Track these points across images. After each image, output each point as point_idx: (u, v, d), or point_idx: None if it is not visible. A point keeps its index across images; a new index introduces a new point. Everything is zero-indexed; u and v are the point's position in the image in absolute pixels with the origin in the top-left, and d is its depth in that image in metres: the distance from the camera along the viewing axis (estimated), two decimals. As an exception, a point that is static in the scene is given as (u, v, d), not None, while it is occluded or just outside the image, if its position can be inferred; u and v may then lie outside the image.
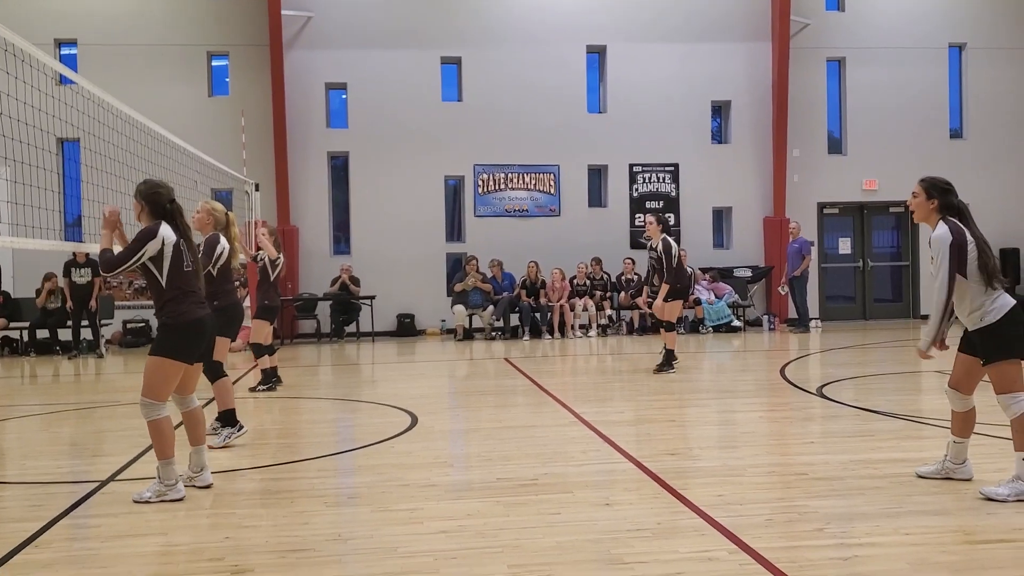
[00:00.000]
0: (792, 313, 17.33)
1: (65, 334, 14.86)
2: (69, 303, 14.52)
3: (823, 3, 18.24)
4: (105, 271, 5.21)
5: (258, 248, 9.74)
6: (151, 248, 5.05)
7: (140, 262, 5.09)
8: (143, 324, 16.09)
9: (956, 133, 18.75)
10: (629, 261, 16.98)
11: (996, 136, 18.52)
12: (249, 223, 13.34)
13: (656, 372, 10.45)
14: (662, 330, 10.79)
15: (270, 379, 9.72)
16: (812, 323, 16.65)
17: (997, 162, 18.40)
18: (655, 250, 10.58)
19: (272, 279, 9.58)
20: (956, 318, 4.97)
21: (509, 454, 6.18)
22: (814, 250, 17.41)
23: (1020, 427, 4.71)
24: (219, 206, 6.91)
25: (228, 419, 6.62)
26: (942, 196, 4.97)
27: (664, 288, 10.45)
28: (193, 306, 5.20)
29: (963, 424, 5.09)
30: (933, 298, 4.86)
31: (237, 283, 7.96)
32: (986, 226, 18.07)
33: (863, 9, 18.25)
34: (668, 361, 10.54)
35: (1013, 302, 4.82)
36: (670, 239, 10.61)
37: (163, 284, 5.12)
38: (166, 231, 5.12)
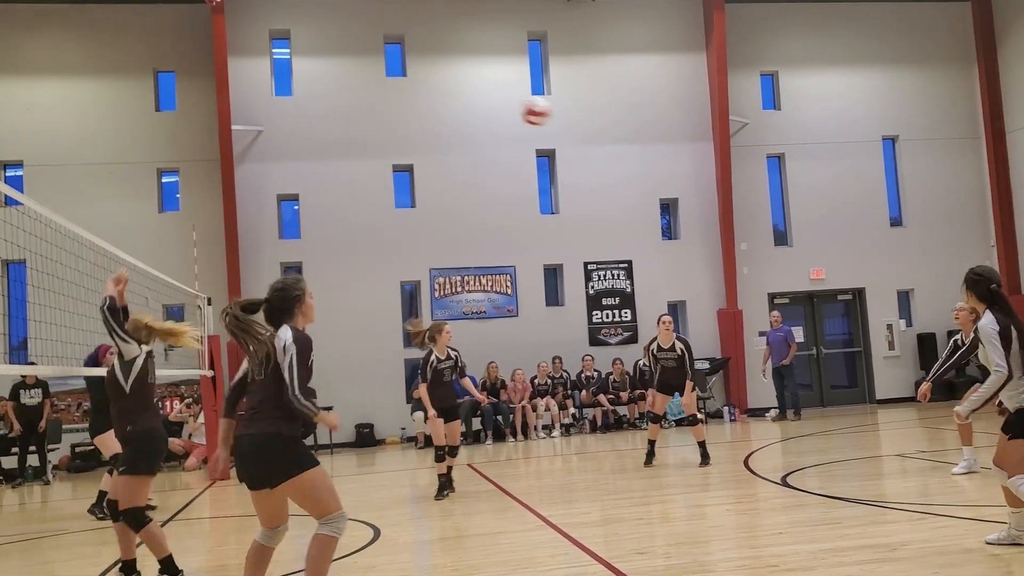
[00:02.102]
0: (753, 403, 17.48)
1: (9, 461, 14.30)
2: (16, 427, 14.04)
3: (760, 103, 18.96)
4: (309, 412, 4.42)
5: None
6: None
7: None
8: (92, 447, 15.60)
9: (896, 221, 19.33)
10: (589, 358, 17.01)
11: (934, 223, 19.13)
12: (201, 338, 13.17)
13: (704, 466, 10.42)
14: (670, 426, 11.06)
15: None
16: (771, 412, 16.71)
17: (937, 247, 18.93)
18: (672, 350, 10.71)
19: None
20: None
21: (476, 563, 6.02)
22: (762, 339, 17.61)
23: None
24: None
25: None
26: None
27: (690, 384, 10.70)
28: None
29: (1014, 496, 5.33)
30: (991, 378, 5.24)
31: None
32: (929, 310, 18.43)
33: (798, 108, 18.99)
34: (707, 452, 10.66)
35: None
36: (683, 337, 10.98)
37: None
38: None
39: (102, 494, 9.31)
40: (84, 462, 15.48)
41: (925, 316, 18.69)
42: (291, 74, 17.58)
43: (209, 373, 12.84)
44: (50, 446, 14.64)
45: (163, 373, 12.10)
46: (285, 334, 4.47)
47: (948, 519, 6.16)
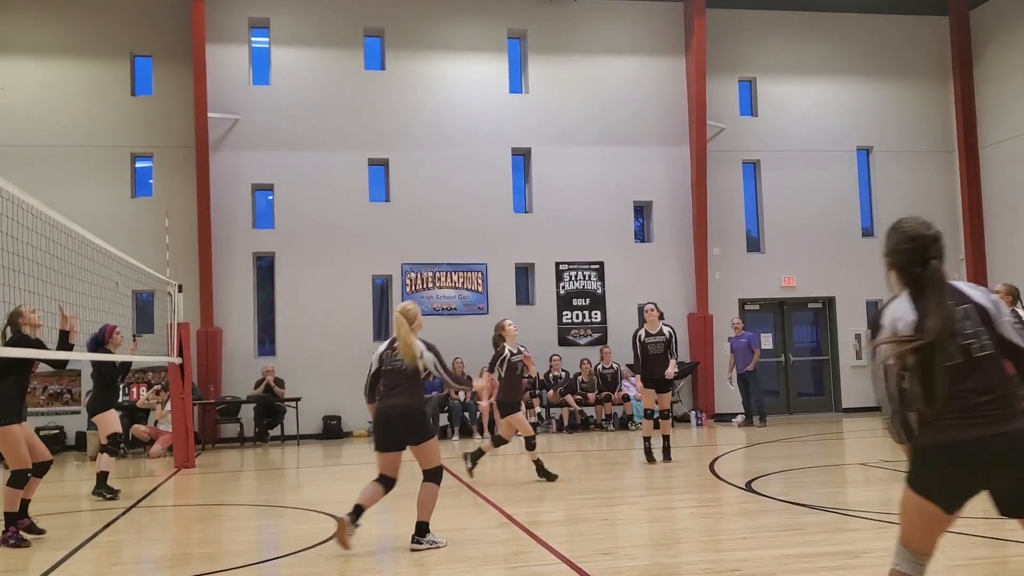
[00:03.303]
0: (721, 408, 17.61)
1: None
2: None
3: (737, 109, 19.08)
4: None
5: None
6: None
7: None
8: (57, 431, 15.42)
9: (867, 231, 19.52)
10: (557, 358, 17.05)
11: (904, 234, 19.30)
12: (170, 325, 13.07)
13: (669, 461, 10.86)
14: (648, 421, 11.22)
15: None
16: (737, 418, 16.83)
17: (906, 259, 19.11)
18: (660, 334, 10.92)
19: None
20: None
21: (440, 559, 6.03)
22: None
23: None
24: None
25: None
26: None
27: (672, 363, 10.90)
28: None
29: None
30: None
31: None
32: (900, 320, 18.08)
33: (775, 115, 19.13)
34: (668, 447, 11.06)
35: None
36: (668, 323, 11.24)
37: None
38: None
39: (101, 475, 9.44)
40: (49, 445, 15.24)
41: (892, 327, 18.84)
42: (269, 64, 17.45)
43: (178, 360, 12.74)
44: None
45: (129, 358, 12.02)
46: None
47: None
